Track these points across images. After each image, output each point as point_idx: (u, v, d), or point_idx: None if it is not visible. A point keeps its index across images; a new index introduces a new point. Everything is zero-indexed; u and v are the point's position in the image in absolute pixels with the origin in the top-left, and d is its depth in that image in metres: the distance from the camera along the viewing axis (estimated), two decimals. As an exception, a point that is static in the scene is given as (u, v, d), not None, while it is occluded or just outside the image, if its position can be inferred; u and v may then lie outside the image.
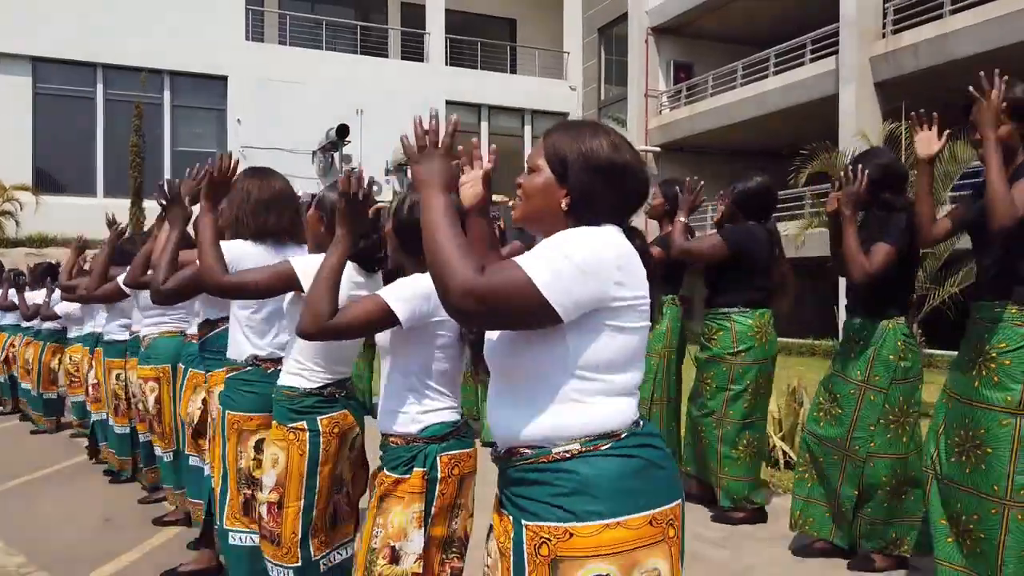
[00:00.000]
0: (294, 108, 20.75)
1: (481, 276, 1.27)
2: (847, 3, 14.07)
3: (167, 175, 20.83)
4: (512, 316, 1.30)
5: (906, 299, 3.12)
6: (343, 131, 19.66)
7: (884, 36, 13.83)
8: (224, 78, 21.16)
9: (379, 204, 2.38)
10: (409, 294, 1.85)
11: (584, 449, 1.33)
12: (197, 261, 2.42)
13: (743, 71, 17.54)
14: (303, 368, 2.31)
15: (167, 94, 20.88)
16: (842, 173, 2.97)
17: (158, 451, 4.09)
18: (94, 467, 5.41)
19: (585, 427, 1.35)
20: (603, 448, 1.34)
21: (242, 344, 2.64)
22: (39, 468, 5.40)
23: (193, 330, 3.55)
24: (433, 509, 1.86)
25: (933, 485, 2.58)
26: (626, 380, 1.38)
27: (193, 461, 3.55)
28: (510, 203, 1.54)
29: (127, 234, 4.21)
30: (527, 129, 24.93)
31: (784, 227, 12.69)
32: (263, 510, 2.29)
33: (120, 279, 3.91)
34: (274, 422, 2.32)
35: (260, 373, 2.56)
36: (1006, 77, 2.52)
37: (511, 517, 1.37)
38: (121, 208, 18.15)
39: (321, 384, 2.30)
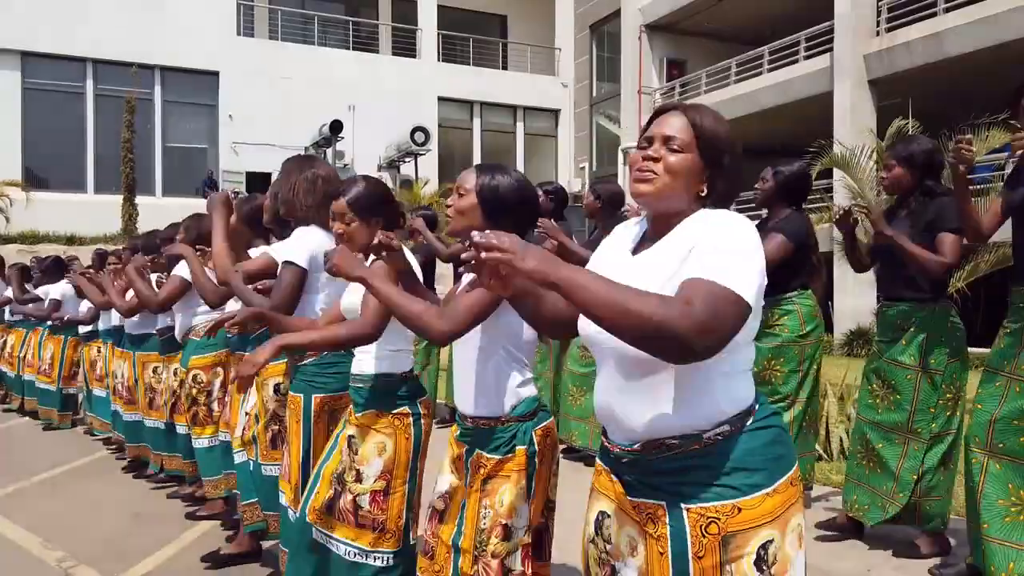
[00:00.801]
0: (285, 104, 20.65)
1: (696, 308, 1.24)
2: (841, 1, 14.20)
3: (159, 171, 20.68)
4: (730, 334, 1.29)
5: (946, 284, 3.21)
6: (336, 127, 19.58)
7: (878, 34, 13.96)
8: (215, 73, 21.01)
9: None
10: None
11: (733, 429, 1.39)
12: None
13: (737, 68, 17.64)
14: (395, 352, 2.36)
15: (158, 89, 20.71)
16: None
17: (205, 441, 4.04)
18: (115, 462, 5.39)
19: (731, 407, 1.40)
20: (748, 425, 1.40)
21: None
22: (59, 464, 5.38)
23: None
24: (534, 482, 1.92)
25: (989, 467, 2.65)
26: (750, 354, 1.45)
27: (268, 471, 3.19)
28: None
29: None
30: (519, 125, 24.95)
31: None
32: (364, 500, 2.30)
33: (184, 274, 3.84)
34: (371, 411, 2.34)
35: (338, 355, 2.62)
36: None
37: (662, 505, 1.41)
38: (112, 204, 18.04)
39: (410, 367, 2.40)
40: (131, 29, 19.38)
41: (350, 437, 2.36)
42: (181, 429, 4.35)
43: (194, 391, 4.01)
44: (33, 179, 18.79)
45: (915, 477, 3.09)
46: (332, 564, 2.35)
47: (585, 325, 1.48)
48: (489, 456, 1.95)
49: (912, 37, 13.11)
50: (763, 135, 17.26)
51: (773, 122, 16.54)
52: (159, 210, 17.48)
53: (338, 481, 2.34)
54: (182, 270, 3.87)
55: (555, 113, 25.24)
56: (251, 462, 3.19)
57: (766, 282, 1.36)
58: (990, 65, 11.89)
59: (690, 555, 1.37)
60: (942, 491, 3.12)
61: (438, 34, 23.58)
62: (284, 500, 2.69)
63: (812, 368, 3.72)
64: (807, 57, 15.78)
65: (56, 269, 6.98)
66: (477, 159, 23.98)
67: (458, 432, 2.07)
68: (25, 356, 7.28)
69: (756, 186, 3.76)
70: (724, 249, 1.32)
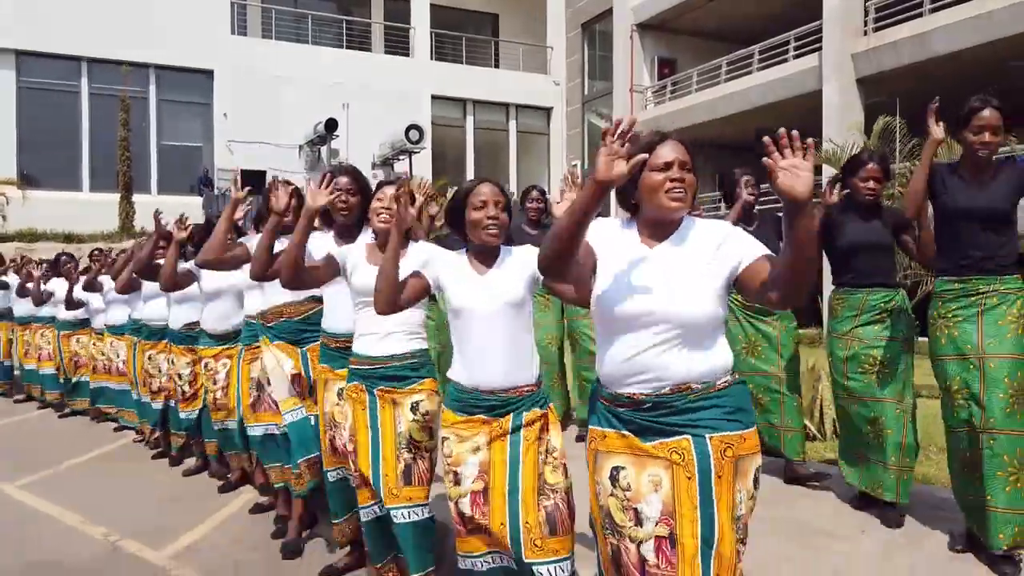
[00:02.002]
0: (279, 102, 20.76)
1: None
2: (830, 0, 14.49)
3: (154, 170, 20.74)
4: None
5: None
6: (332, 125, 19.73)
7: (866, 33, 14.26)
8: (210, 72, 21.07)
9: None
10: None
11: (732, 379, 1.86)
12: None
13: (727, 67, 17.92)
14: (418, 331, 2.76)
15: (152, 88, 20.76)
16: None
17: (230, 424, 4.31)
18: (141, 450, 5.58)
19: (728, 363, 1.87)
20: (737, 377, 1.88)
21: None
22: (86, 452, 5.56)
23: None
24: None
25: (984, 443, 2.90)
26: None
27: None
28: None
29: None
30: (511, 124, 25.14)
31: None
32: (436, 456, 2.63)
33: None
34: (428, 379, 2.73)
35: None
36: None
37: (689, 437, 1.79)
38: (108, 203, 18.13)
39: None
40: (125, 27, 19.43)
41: (418, 403, 2.62)
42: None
43: (206, 380, 4.38)
44: (29, 178, 18.83)
45: (903, 446, 3.37)
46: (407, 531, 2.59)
47: (634, 307, 1.82)
48: (540, 411, 2.31)
49: (900, 36, 13.41)
50: (754, 132, 17.58)
51: (763, 120, 16.82)
52: (155, 208, 17.57)
53: (409, 447, 2.59)
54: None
55: (547, 111, 25.46)
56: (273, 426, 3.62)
57: None
58: (976, 63, 12.21)
59: (713, 475, 1.75)
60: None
61: (431, 33, 23.74)
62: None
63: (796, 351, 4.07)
64: (796, 56, 16.07)
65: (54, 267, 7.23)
66: (470, 157, 24.18)
67: (485, 410, 2.29)
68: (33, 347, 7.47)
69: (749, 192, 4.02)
70: (744, 232, 1.89)
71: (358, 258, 2.77)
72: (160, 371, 5.12)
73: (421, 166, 21.26)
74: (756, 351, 4.01)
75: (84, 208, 18.25)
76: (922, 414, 3.57)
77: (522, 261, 2.33)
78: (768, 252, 1.81)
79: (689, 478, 1.75)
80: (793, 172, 1.57)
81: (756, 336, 4.01)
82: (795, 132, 1.61)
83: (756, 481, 1.85)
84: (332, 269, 2.80)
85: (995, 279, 2.97)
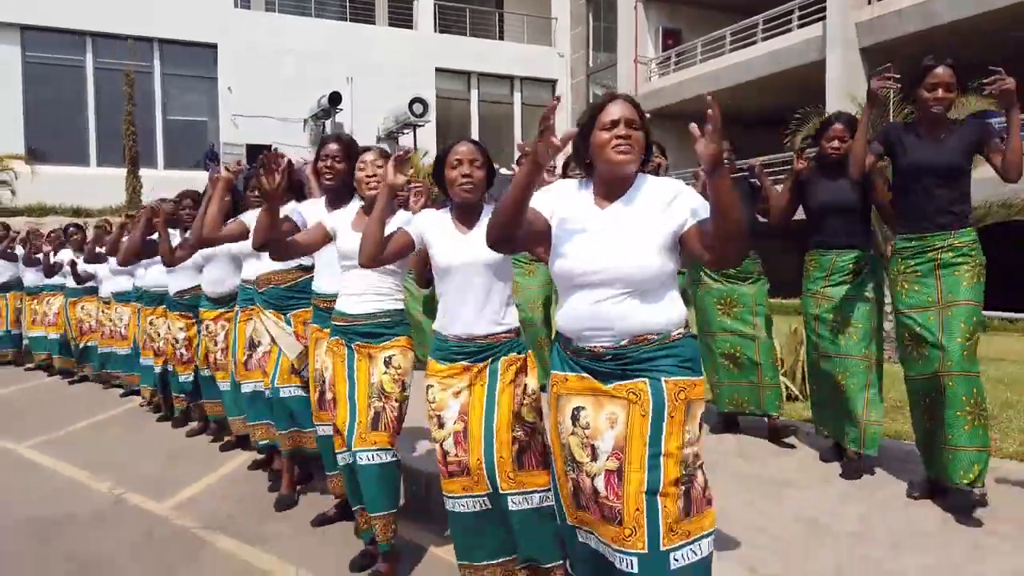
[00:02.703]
0: (284, 76, 20.78)
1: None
2: (834, -31, 14.38)
3: (160, 144, 20.87)
4: None
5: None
6: (335, 99, 19.73)
7: (870, 2, 14.17)
8: (214, 46, 21.09)
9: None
10: None
11: (685, 331, 1.98)
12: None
13: (732, 37, 17.83)
14: (400, 292, 2.93)
15: (157, 62, 20.81)
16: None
17: (225, 385, 4.44)
18: (145, 413, 5.77)
19: (681, 317, 1.98)
20: (688, 332, 2.00)
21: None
22: (93, 415, 5.76)
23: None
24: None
25: (945, 386, 3.03)
26: None
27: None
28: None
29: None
30: (516, 96, 25.08)
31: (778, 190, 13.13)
32: (407, 406, 2.85)
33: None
34: (403, 336, 2.89)
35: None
36: None
37: (646, 380, 1.91)
38: (116, 177, 18.29)
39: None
40: (129, 2, 19.47)
41: (391, 357, 2.80)
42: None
43: (207, 340, 4.55)
44: (37, 153, 18.99)
45: (867, 401, 3.50)
46: (368, 472, 2.74)
47: (578, 262, 1.96)
48: (518, 355, 2.49)
49: (904, 5, 13.32)
50: (758, 103, 17.50)
51: (767, 90, 16.77)
52: (162, 182, 17.68)
53: (380, 397, 2.75)
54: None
55: (552, 83, 25.36)
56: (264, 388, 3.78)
57: None
58: (979, 32, 12.14)
59: (666, 413, 1.89)
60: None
61: (435, 5, 23.63)
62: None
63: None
64: (801, 26, 15.97)
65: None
66: (475, 130, 24.16)
67: (465, 356, 2.45)
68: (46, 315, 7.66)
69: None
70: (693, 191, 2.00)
71: (345, 223, 2.91)
72: (159, 335, 5.31)
73: (426, 139, 21.28)
74: (732, 312, 4.13)
75: (92, 182, 18.41)
76: (897, 372, 3.67)
77: None
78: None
79: (643, 416, 1.88)
80: (708, 137, 1.72)
81: (732, 297, 4.13)
82: (709, 98, 1.74)
83: (700, 425, 1.98)
84: (323, 235, 2.95)
85: (949, 234, 3.07)
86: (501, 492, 2.35)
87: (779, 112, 11.98)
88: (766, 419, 4.15)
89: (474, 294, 2.44)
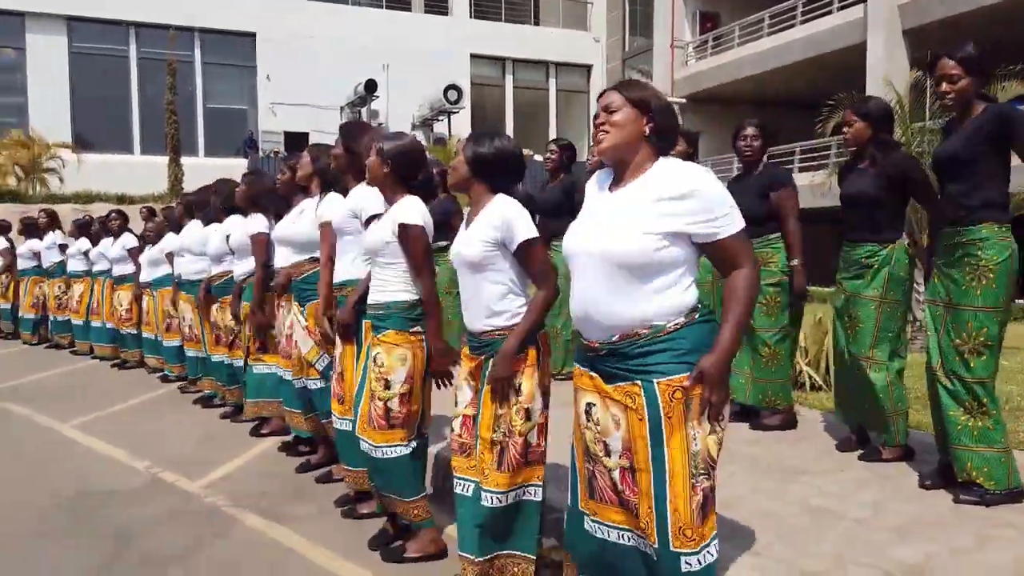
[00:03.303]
0: (321, 64, 21.01)
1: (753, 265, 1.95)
2: (876, -50, 14.06)
3: (201, 132, 21.30)
4: None
5: (902, 224, 3.58)
6: (371, 86, 19.92)
7: (913, -18, 13.83)
8: (252, 35, 21.42)
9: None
10: (527, 218, 2.38)
11: (687, 320, 1.88)
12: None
13: (770, 20, 17.56)
14: (410, 285, 2.85)
15: (198, 52, 21.21)
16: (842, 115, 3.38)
17: (262, 368, 4.64)
18: (182, 396, 5.99)
19: (685, 304, 1.88)
20: (697, 318, 1.89)
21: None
22: (132, 397, 5.99)
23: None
24: (541, 374, 2.40)
25: (939, 382, 3.04)
26: (693, 273, 1.93)
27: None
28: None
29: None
30: (551, 82, 25.01)
31: (812, 176, 12.94)
32: (395, 403, 2.81)
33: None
34: (392, 331, 2.82)
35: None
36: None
37: (637, 383, 1.87)
38: (158, 165, 18.72)
39: (419, 296, 2.84)
40: (171, -8, 19.84)
41: (376, 355, 2.83)
42: (238, 363, 4.95)
43: (248, 330, 4.66)
44: (83, 141, 19.54)
45: (878, 396, 3.49)
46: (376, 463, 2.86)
47: (571, 243, 1.99)
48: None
49: (947, -15, 13.01)
50: (796, 87, 17.23)
51: (806, 74, 16.50)
52: (202, 170, 18.07)
53: (371, 392, 2.83)
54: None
55: (587, 69, 25.25)
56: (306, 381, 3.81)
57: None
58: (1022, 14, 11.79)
59: (662, 418, 1.84)
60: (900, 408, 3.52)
61: (470, -10, 23.66)
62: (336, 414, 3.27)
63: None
64: (840, 8, 15.67)
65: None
66: (510, 116, 24.19)
67: (470, 348, 2.50)
68: (91, 304, 7.92)
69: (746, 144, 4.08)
70: (720, 194, 1.88)
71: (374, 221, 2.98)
72: (184, 319, 5.59)
73: (460, 126, 21.37)
74: (772, 307, 4.13)
75: (136, 170, 18.89)
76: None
77: (489, 220, 2.38)
78: (735, 232, 1.86)
79: (641, 420, 1.86)
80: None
81: (768, 294, 4.13)
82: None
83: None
84: None
85: (956, 230, 3.00)
86: (480, 486, 2.39)
87: (818, 96, 11.81)
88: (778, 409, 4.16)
89: (467, 289, 2.47)
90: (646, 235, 1.83)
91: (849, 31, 15.09)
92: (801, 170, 15.05)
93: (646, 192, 1.89)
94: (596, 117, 1.97)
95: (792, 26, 16.82)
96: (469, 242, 2.41)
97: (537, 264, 2.38)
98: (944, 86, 2.98)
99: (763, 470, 3.41)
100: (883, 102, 3.64)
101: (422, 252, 2.78)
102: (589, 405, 1.99)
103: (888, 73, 13.05)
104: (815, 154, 15.45)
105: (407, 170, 2.88)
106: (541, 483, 2.46)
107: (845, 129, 3.58)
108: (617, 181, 2.00)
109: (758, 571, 2.37)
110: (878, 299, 3.46)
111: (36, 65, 19.66)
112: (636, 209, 1.87)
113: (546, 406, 2.45)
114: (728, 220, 1.86)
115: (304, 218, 3.91)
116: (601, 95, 2.00)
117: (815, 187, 11.25)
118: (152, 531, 3.27)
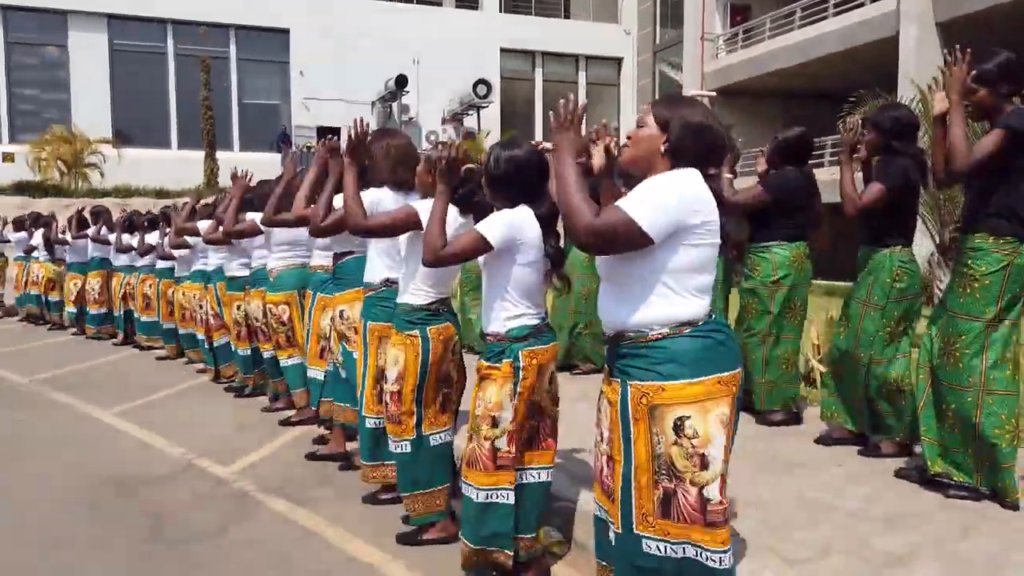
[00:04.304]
0: (353, 59, 21.30)
1: (597, 218, 1.87)
2: (910, -61, 13.87)
3: (236, 127, 21.75)
4: (620, 244, 1.90)
5: (905, 231, 3.60)
6: (402, 81, 20.15)
7: (947, -26, 13.63)
8: (286, 31, 21.80)
9: (470, 165, 3.04)
10: (498, 224, 2.51)
11: (671, 332, 1.93)
12: (342, 207, 3.07)
13: (802, 13, 17.40)
14: (417, 289, 3.01)
15: (233, 48, 21.66)
16: (850, 123, 3.45)
17: (290, 360, 4.85)
18: (216, 385, 6.26)
19: (671, 317, 1.93)
20: (685, 332, 1.94)
21: (379, 270, 3.33)
22: (170, 386, 6.28)
23: (316, 262, 4.31)
24: (519, 388, 2.52)
25: (926, 382, 3.16)
26: (700, 282, 1.97)
27: (312, 373, 4.37)
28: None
29: (249, 181, 4.87)
30: (581, 75, 25.05)
31: (834, 171, 12.88)
32: (388, 398, 3.02)
33: (256, 218, 4.63)
34: (393, 329, 3.05)
35: (393, 292, 3.23)
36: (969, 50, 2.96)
37: (619, 381, 2.00)
38: (195, 160, 19.20)
39: (428, 301, 3.01)
40: (207, -10, 20.24)
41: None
42: (267, 354, 5.17)
43: (273, 321, 4.84)
44: (123, 136, 20.10)
45: (863, 392, 3.60)
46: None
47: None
48: (484, 363, 2.60)
49: (982, -23, 12.79)
50: (827, 81, 17.07)
51: (838, 67, 16.34)
52: (237, 164, 18.51)
53: (376, 382, 3.04)
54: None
55: (618, 62, 25.23)
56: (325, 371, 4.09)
57: (671, 221, 1.87)
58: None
59: (631, 417, 1.97)
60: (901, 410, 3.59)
61: (501, -16, 23.74)
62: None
63: (785, 312, 4.16)
64: (873, 0, 15.48)
65: (161, 221, 7.81)
66: (539, 110, 24.28)
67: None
68: (133, 295, 8.23)
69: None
70: (642, 188, 1.93)
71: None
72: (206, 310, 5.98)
73: (489, 121, 21.54)
74: (749, 308, 4.27)
75: (173, 165, 19.40)
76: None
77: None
78: (624, 207, 1.89)
79: (617, 416, 2.01)
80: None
81: (749, 297, 4.26)
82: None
83: (678, 429, 1.91)
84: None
85: (963, 237, 3.10)
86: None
87: (849, 89, 11.73)
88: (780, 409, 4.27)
89: (484, 284, 2.65)
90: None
91: (881, 23, 14.91)
92: (832, 163, 14.95)
93: None
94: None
95: (824, 18, 16.65)
96: None
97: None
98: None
99: (759, 462, 3.53)
100: (901, 112, 3.68)
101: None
102: (600, 394, 2.16)
103: (920, 67, 12.92)
104: (840, 149, 15.31)
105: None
106: (512, 487, 2.57)
107: (862, 139, 3.66)
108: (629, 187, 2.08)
109: (738, 556, 2.51)
110: (861, 301, 3.59)
111: (78, 62, 20.24)
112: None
113: (530, 417, 2.60)
114: (630, 199, 1.90)
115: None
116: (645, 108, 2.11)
117: (837, 182, 11.19)
118: (185, 513, 3.51)
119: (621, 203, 1.89)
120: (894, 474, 3.32)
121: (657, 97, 23.71)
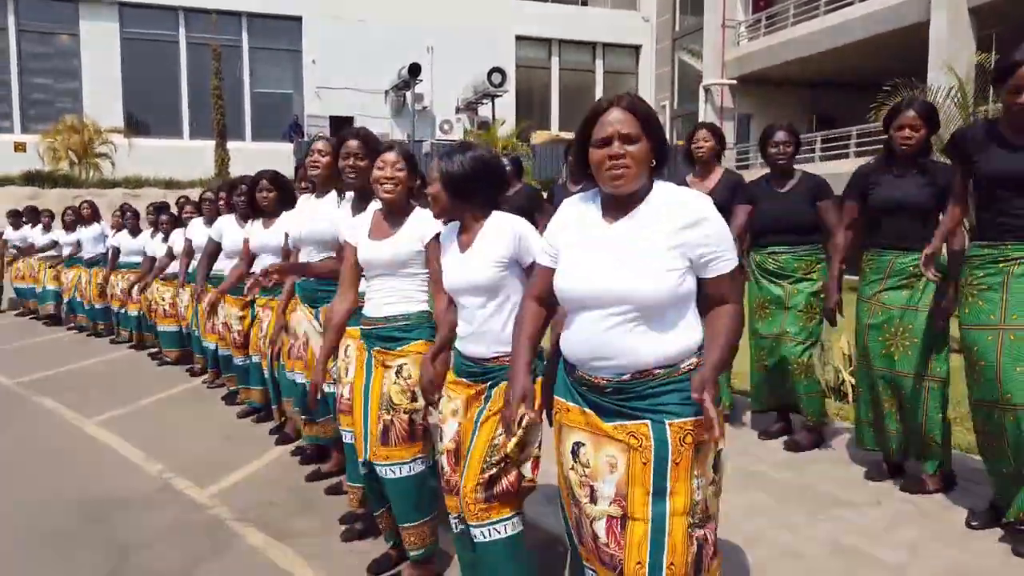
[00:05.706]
0: (365, 47, 20.95)
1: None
2: (941, -80, 13.28)
3: (247, 117, 21.49)
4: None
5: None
6: (415, 70, 19.79)
7: (981, -45, 13.04)
8: (298, 19, 21.47)
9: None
10: (537, 241, 2.20)
11: (699, 360, 1.77)
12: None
13: (826, -2, 16.82)
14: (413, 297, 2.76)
15: (245, 36, 21.36)
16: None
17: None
18: (208, 391, 5.96)
19: (692, 344, 1.78)
20: (703, 360, 1.76)
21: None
22: (163, 390, 5.99)
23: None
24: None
25: (1005, 419, 2.76)
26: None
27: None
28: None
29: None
30: (598, 63, 24.53)
31: (858, 163, 12.39)
32: (420, 415, 2.70)
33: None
34: (421, 340, 2.70)
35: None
36: None
37: (648, 423, 1.73)
38: (207, 149, 18.94)
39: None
40: (218, -23, 19.96)
41: (402, 366, 2.67)
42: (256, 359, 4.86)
43: (255, 327, 4.61)
44: (134, 126, 19.89)
45: (926, 418, 3.21)
46: (387, 485, 2.71)
47: (580, 282, 1.81)
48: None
49: (1018, -42, 12.20)
50: (852, 69, 16.51)
51: (865, 55, 15.77)
52: (249, 154, 18.27)
53: (388, 409, 2.66)
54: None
55: (636, 49, 24.67)
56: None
57: None
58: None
59: (669, 462, 1.71)
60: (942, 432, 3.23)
61: (516, -30, 23.28)
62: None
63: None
64: (902, -16, 14.89)
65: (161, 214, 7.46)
66: (555, 99, 23.84)
67: (468, 375, 2.35)
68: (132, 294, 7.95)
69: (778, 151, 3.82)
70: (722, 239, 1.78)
71: (362, 233, 2.81)
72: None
73: (504, 110, 21.13)
74: (763, 313, 3.90)
75: (184, 155, 19.15)
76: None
77: (499, 237, 2.29)
78: (735, 269, 1.80)
79: (645, 463, 1.72)
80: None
81: (765, 299, 3.89)
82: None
83: (716, 467, 1.81)
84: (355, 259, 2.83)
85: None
86: (467, 522, 2.27)
87: (876, 77, 11.22)
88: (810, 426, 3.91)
89: (472, 319, 2.35)
90: (669, 272, 1.73)
91: (911, 8, 14.31)
92: (857, 155, 14.42)
93: (659, 224, 1.77)
94: (605, 144, 1.76)
95: (851, 4, 16.06)
96: (478, 266, 2.27)
97: None
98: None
99: (793, 498, 3.17)
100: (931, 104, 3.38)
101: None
102: (577, 445, 1.84)
103: (952, 54, 12.37)
104: (870, 139, 14.79)
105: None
106: (521, 512, 2.34)
107: (907, 133, 3.24)
108: (614, 210, 1.84)
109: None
110: (928, 310, 3.19)
111: (89, 51, 20.02)
112: (652, 244, 1.75)
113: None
114: (732, 255, 1.80)
115: (322, 216, 3.71)
116: (611, 112, 1.78)
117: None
118: (153, 544, 3.20)
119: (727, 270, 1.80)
120: (965, 525, 2.91)
121: (677, 87, 23.27)
